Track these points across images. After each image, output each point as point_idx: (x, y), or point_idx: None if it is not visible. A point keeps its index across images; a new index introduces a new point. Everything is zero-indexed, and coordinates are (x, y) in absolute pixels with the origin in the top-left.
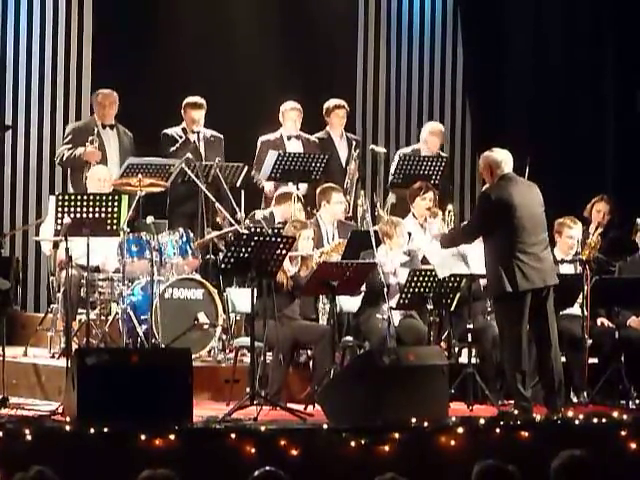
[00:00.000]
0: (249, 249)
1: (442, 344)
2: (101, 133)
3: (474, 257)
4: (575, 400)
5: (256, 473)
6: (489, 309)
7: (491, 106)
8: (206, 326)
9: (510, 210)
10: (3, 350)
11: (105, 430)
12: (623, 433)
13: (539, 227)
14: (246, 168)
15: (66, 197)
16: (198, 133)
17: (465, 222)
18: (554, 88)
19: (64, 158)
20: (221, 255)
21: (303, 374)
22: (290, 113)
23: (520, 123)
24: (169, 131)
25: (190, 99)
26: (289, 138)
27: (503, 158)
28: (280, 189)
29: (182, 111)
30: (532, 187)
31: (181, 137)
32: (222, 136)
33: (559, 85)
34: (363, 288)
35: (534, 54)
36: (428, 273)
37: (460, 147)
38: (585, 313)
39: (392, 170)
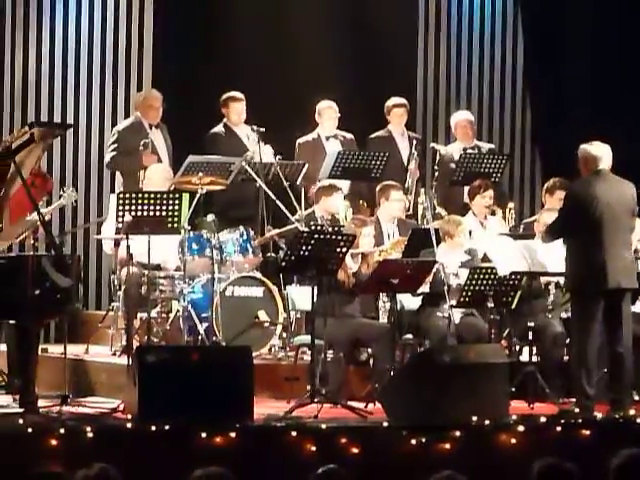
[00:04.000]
0: (309, 247)
1: (503, 342)
2: (150, 134)
3: (546, 253)
4: (637, 398)
5: (319, 471)
6: (550, 307)
7: (552, 102)
8: (266, 324)
9: (590, 206)
10: (65, 348)
11: (166, 428)
12: None
13: (621, 226)
14: (307, 166)
15: (127, 195)
16: (241, 130)
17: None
18: (615, 81)
19: (116, 163)
20: (281, 253)
21: (363, 372)
22: (328, 112)
23: (582, 118)
24: (215, 130)
25: (231, 93)
26: (327, 138)
27: (599, 154)
28: (320, 184)
29: (223, 107)
30: (624, 186)
31: (226, 134)
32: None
33: (620, 79)
34: (424, 289)
35: (594, 49)
36: (488, 271)
37: (520, 143)
38: None
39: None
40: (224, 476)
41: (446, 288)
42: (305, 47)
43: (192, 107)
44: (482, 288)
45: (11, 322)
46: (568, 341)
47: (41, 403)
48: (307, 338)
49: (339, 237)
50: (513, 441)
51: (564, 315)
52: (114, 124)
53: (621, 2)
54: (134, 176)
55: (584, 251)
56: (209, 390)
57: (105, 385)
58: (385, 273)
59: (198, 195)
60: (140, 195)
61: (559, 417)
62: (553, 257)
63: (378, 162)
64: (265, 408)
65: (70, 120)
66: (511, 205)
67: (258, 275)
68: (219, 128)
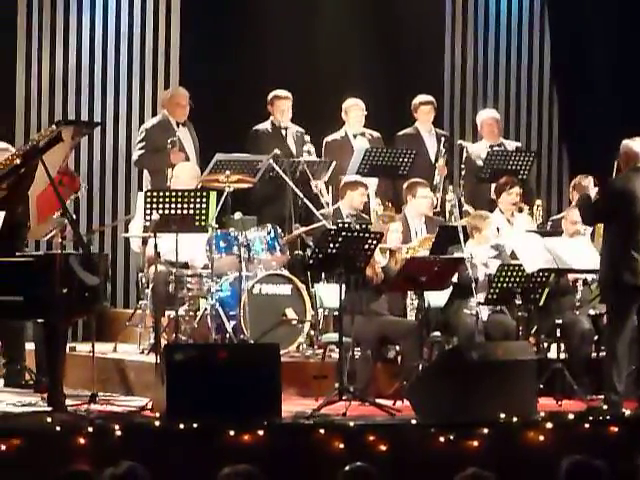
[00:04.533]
0: (337, 245)
1: (530, 339)
2: (177, 132)
3: (573, 250)
4: None
5: (347, 468)
6: (577, 304)
7: (579, 100)
8: (294, 322)
9: (629, 202)
10: (93, 346)
11: (194, 426)
12: None
13: None
14: (334, 163)
15: (154, 193)
16: (286, 129)
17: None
18: None
19: (144, 161)
20: (309, 251)
21: (391, 369)
22: (355, 110)
23: (609, 115)
24: (260, 127)
25: (277, 92)
26: (355, 136)
27: None
28: (345, 179)
29: (269, 105)
30: None
31: (271, 132)
32: (303, 131)
33: None
34: (453, 280)
35: (621, 45)
36: (516, 268)
37: (547, 140)
38: None
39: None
40: (252, 474)
41: (474, 285)
42: (332, 46)
43: (219, 105)
44: (510, 285)
45: (39, 321)
46: (596, 338)
47: (69, 401)
48: (335, 336)
49: (367, 235)
50: (541, 438)
51: (592, 312)
52: (141, 122)
53: None
54: (162, 174)
55: (620, 247)
56: (237, 388)
57: (133, 383)
58: (413, 271)
59: (225, 193)
60: (167, 193)
61: (587, 414)
62: (579, 254)
63: (405, 159)
64: (293, 406)
65: (97, 118)
66: (539, 202)
67: (286, 273)
68: (265, 125)
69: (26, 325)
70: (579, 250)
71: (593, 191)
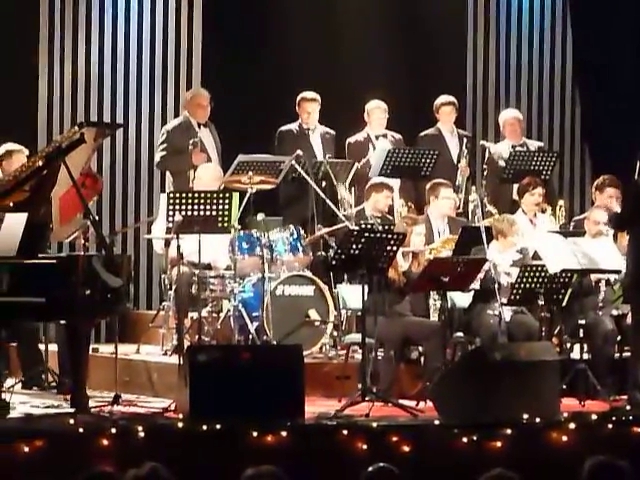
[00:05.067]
0: (360, 245)
1: (553, 340)
2: (198, 133)
3: (596, 250)
4: None
5: (370, 469)
6: (600, 304)
7: (602, 99)
8: (317, 323)
9: None
10: (116, 348)
11: (217, 427)
12: None
13: None
14: (357, 164)
15: (177, 195)
16: (310, 130)
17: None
18: None
19: (166, 162)
20: (332, 252)
21: (414, 370)
22: (376, 112)
23: (632, 115)
24: (285, 128)
25: (304, 93)
26: (377, 137)
27: None
28: (371, 181)
29: (297, 106)
30: None
31: (296, 133)
32: (334, 133)
33: None
34: (475, 285)
35: None
36: (539, 269)
37: (570, 141)
38: None
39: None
40: (276, 475)
41: (497, 286)
42: (355, 47)
43: (241, 106)
44: (533, 286)
45: (62, 322)
46: (619, 338)
47: (92, 403)
48: (358, 337)
49: (389, 236)
50: (564, 439)
51: (615, 312)
52: (164, 124)
53: None
54: (184, 176)
55: None
56: (260, 389)
57: (156, 385)
58: (435, 271)
59: (248, 194)
60: (190, 195)
61: (611, 414)
62: (603, 254)
63: (428, 160)
64: (316, 407)
65: (120, 120)
66: (561, 203)
67: (308, 274)
68: (291, 126)
69: (49, 326)
70: (602, 251)
71: (616, 207)
